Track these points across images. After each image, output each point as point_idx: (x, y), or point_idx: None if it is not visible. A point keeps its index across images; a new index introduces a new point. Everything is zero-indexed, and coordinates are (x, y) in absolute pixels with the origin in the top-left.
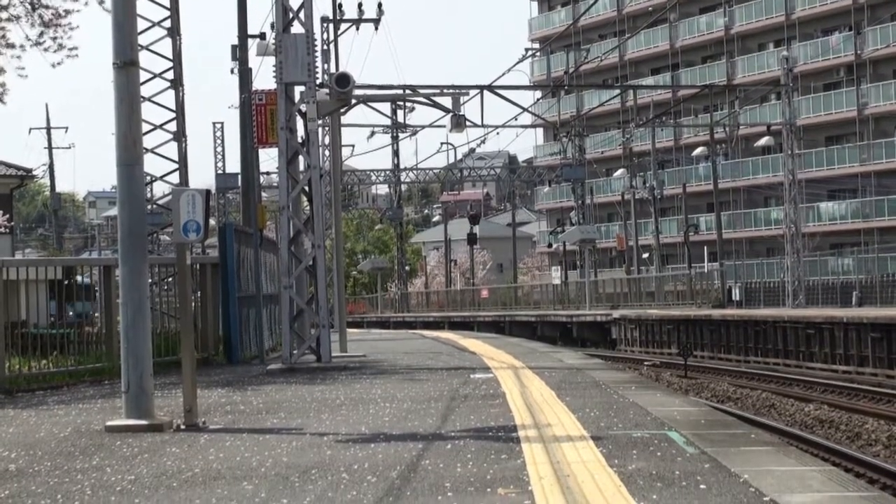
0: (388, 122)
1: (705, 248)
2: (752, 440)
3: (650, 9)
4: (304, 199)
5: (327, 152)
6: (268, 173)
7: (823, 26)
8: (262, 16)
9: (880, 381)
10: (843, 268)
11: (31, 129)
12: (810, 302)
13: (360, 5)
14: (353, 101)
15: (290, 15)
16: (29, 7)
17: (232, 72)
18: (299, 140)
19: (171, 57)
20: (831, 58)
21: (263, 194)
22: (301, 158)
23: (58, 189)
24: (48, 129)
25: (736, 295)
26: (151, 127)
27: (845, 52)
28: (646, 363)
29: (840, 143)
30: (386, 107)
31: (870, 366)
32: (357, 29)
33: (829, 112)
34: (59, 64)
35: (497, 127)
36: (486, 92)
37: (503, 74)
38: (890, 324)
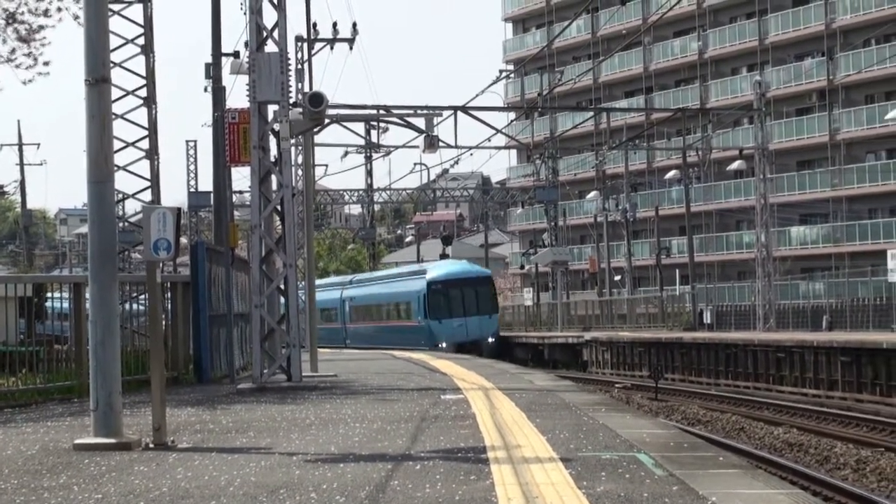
0: (361, 141)
1: (677, 270)
2: (721, 463)
3: (624, 32)
4: (277, 218)
5: (300, 171)
6: (240, 192)
7: (796, 51)
8: (236, 34)
9: (850, 405)
10: (813, 292)
11: (2, 145)
12: (781, 325)
13: (334, 25)
14: (327, 121)
15: (264, 34)
16: (3, 23)
17: (205, 90)
18: (272, 159)
19: (144, 74)
20: (804, 83)
21: (236, 213)
22: (273, 177)
23: (29, 206)
24: (20, 145)
25: (707, 318)
26: (123, 144)
27: (818, 77)
28: (617, 385)
29: (812, 167)
30: (359, 126)
31: (839, 390)
32: (331, 48)
33: (801, 137)
34: (30, 81)
35: (470, 148)
36: (459, 113)
37: (477, 96)
38: (859, 348)
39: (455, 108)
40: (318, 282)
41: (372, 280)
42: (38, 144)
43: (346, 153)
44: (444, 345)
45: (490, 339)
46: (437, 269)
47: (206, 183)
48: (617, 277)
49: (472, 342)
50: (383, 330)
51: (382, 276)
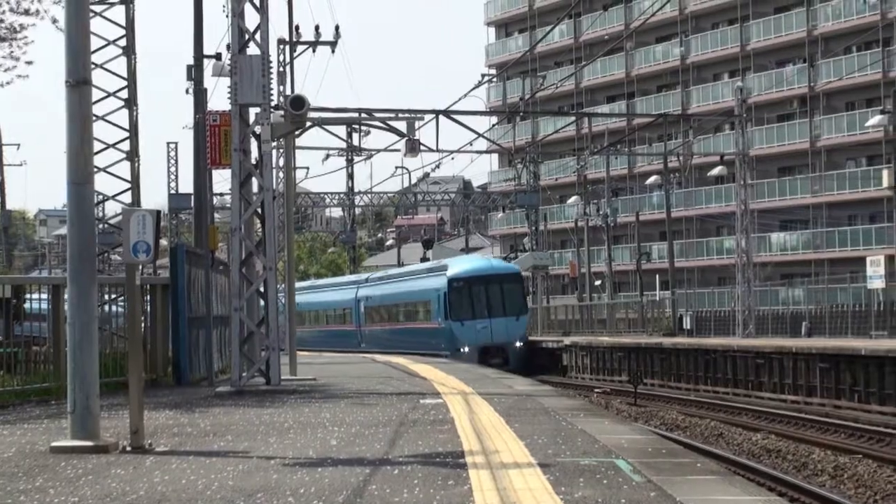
0: (343, 145)
1: (657, 276)
2: (699, 469)
3: (606, 37)
4: (257, 220)
5: (281, 174)
6: (221, 194)
7: (778, 58)
8: (218, 36)
9: (828, 412)
10: (793, 298)
11: None
12: (760, 331)
13: (316, 28)
14: (308, 124)
15: (246, 36)
16: None
17: (187, 92)
18: (253, 162)
19: (125, 76)
20: (785, 89)
21: (216, 215)
22: (254, 180)
23: (8, 206)
24: None
25: (687, 323)
26: (104, 146)
27: (799, 83)
28: (596, 390)
29: (792, 174)
30: (341, 130)
31: (818, 396)
32: (314, 51)
33: (781, 143)
34: (8, 83)
35: (452, 152)
36: (441, 117)
37: (459, 100)
38: (838, 354)
39: (437, 112)
40: (329, 280)
41: (389, 278)
42: (18, 145)
43: (328, 156)
44: (466, 349)
45: (518, 343)
46: (460, 265)
47: (186, 185)
48: (597, 282)
49: (497, 346)
50: (400, 332)
51: (400, 274)
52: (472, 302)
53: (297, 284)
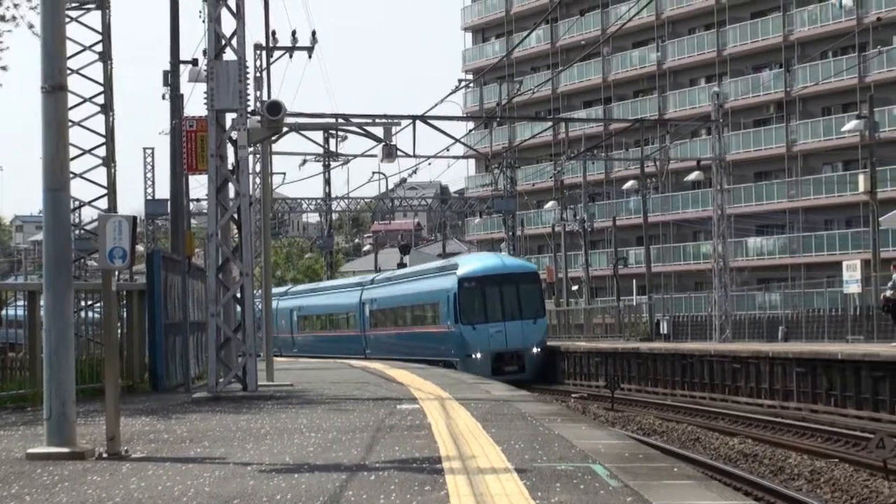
0: (319, 150)
1: (634, 281)
2: (675, 474)
3: (583, 42)
4: (234, 226)
5: (257, 180)
6: (198, 200)
7: (754, 63)
8: (194, 41)
9: (804, 416)
10: (769, 303)
11: None
12: (737, 336)
13: (293, 33)
14: (285, 129)
15: (223, 42)
16: None
17: (163, 97)
18: (229, 167)
19: (101, 81)
20: (761, 94)
21: (193, 221)
22: (231, 186)
23: None
24: None
25: (664, 328)
26: (80, 152)
27: (775, 88)
28: (573, 395)
29: (769, 178)
30: (318, 135)
31: (794, 400)
32: (290, 57)
33: (758, 148)
34: None
35: (429, 157)
36: (418, 122)
37: (436, 105)
38: (815, 359)
39: (414, 118)
40: (332, 283)
41: (396, 279)
42: None
43: (305, 162)
44: (478, 355)
45: (535, 349)
46: (471, 264)
47: (163, 191)
48: (574, 287)
49: (512, 352)
50: (408, 337)
51: (407, 274)
52: (485, 304)
53: (298, 287)
